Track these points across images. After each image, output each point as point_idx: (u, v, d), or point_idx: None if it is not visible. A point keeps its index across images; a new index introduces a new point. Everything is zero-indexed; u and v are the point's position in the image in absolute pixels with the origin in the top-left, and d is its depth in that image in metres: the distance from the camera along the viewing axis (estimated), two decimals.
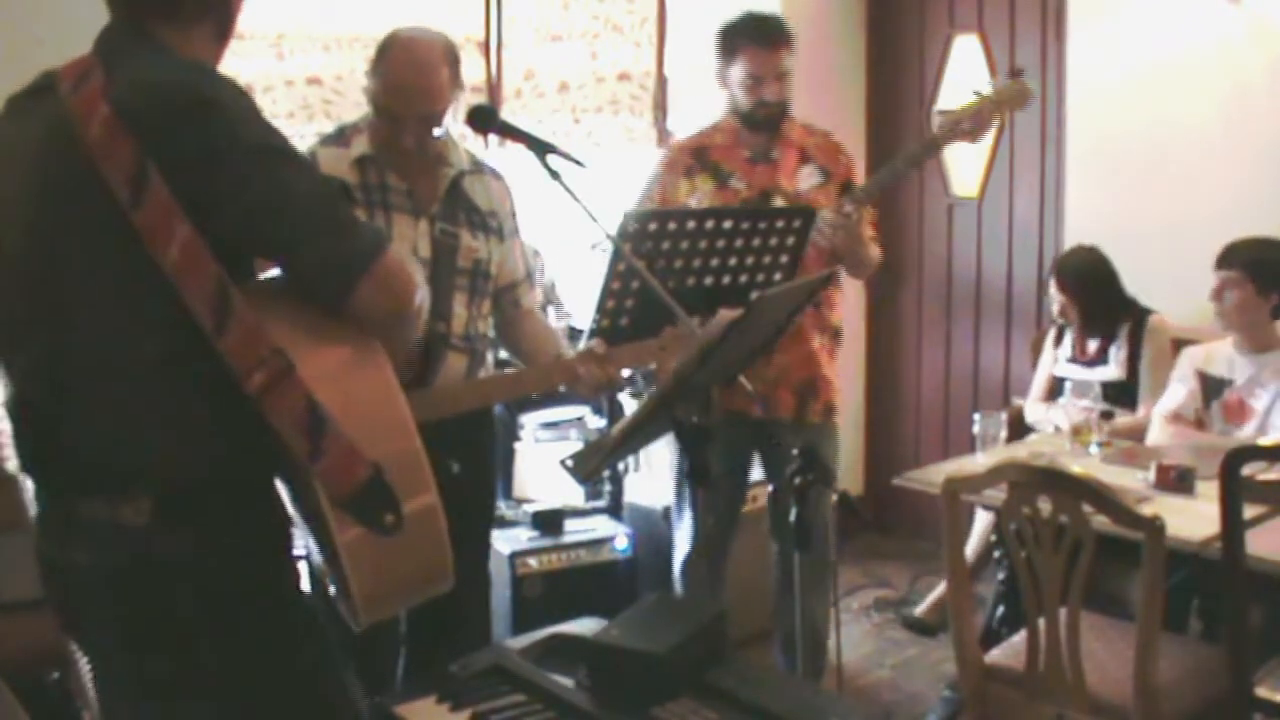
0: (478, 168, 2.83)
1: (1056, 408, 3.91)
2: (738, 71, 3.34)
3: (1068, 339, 4.09)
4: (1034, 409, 4.10)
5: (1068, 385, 3.69)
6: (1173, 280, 4.09)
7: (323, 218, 1.71)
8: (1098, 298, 3.96)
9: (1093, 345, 4.01)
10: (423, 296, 1.80)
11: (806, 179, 3.41)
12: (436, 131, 2.65)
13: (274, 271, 1.82)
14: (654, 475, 4.51)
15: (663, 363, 2.63)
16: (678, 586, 3.56)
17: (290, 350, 1.67)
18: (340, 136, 2.74)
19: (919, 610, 4.37)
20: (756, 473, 3.71)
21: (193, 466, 1.74)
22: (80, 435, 1.76)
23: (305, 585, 2.03)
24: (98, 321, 1.72)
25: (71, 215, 1.70)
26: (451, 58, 2.66)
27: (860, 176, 3.52)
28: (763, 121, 3.37)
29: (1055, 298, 4.02)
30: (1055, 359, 4.12)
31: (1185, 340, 3.84)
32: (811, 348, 3.41)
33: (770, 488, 3.73)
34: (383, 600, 1.81)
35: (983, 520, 4.11)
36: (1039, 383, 4.18)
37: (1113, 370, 3.93)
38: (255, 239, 1.73)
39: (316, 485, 1.68)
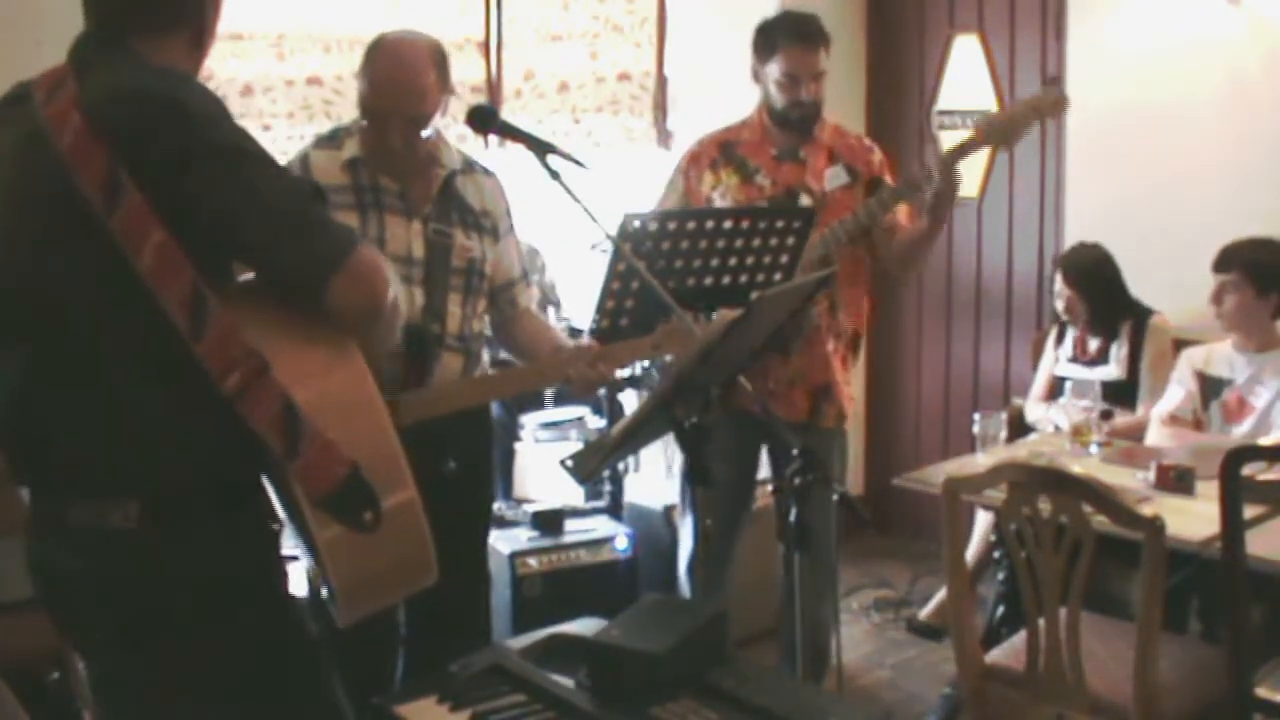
0: (470, 167, 2.83)
1: (1057, 407, 3.91)
2: (774, 70, 3.31)
3: (1069, 338, 4.08)
4: (1034, 409, 4.09)
5: (1068, 385, 3.69)
6: (1173, 280, 4.09)
7: (293, 218, 1.72)
8: (1104, 293, 3.96)
9: (1094, 344, 4.01)
10: (396, 294, 1.80)
11: (833, 180, 3.37)
12: (425, 133, 2.65)
13: (251, 275, 1.83)
14: (655, 475, 4.51)
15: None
16: (684, 588, 3.55)
17: (266, 351, 1.68)
18: (333, 139, 2.75)
19: (923, 614, 4.35)
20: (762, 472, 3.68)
21: (178, 469, 1.75)
22: (66, 440, 1.77)
23: (296, 587, 2.03)
24: (78, 327, 1.73)
25: (49, 225, 1.71)
26: (439, 59, 2.66)
27: (892, 176, 3.48)
28: (796, 122, 3.34)
29: (1061, 293, 4.00)
30: (1056, 359, 4.12)
31: (1185, 340, 3.84)
32: (826, 351, 3.39)
33: (771, 488, 3.72)
34: (365, 597, 1.82)
35: (983, 523, 4.11)
36: (1039, 382, 4.17)
37: (1113, 370, 3.93)
38: (227, 241, 1.73)
39: (294, 484, 1.69)
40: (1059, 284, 4.01)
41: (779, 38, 3.31)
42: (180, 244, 1.66)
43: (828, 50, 3.34)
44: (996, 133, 3.22)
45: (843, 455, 3.59)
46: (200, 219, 1.68)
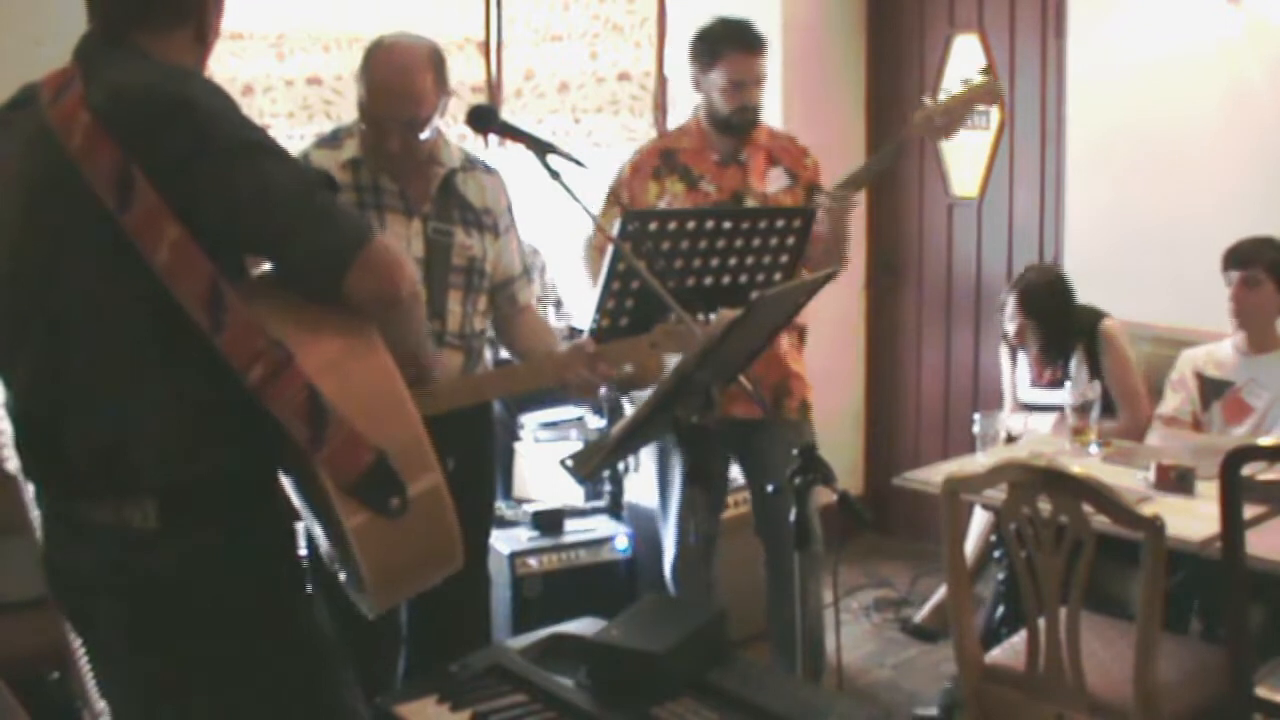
0: (471, 164, 2.83)
1: (1035, 417, 3.90)
2: (718, 77, 3.35)
3: (1022, 361, 4.06)
4: (1014, 420, 4.05)
5: (1068, 385, 3.68)
6: (1173, 280, 4.09)
7: (306, 210, 1.72)
8: (1058, 322, 3.89)
9: (1048, 371, 3.97)
10: (415, 280, 1.80)
11: (775, 181, 3.43)
12: (423, 135, 2.64)
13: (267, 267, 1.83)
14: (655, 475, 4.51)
15: (650, 364, 2.63)
16: (670, 589, 3.56)
17: (288, 342, 1.68)
18: (334, 139, 2.76)
19: (919, 617, 4.34)
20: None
21: (195, 467, 1.75)
22: (82, 440, 1.76)
23: (308, 586, 2.03)
24: (93, 327, 1.73)
25: (59, 225, 1.72)
26: (436, 63, 2.66)
27: (825, 180, 3.49)
28: (738, 126, 3.39)
29: (1013, 319, 3.93)
30: (1015, 382, 4.10)
31: (1185, 340, 3.84)
32: (780, 348, 3.40)
33: (750, 491, 3.73)
34: (394, 583, 1.82)
35: (980, 520, 4.11)
36: (1009, 396, 4.15)
37: (1082, 391, 3.87)
38: (241, 236, 1.74)
39: (321, 473, 1.69)
40: (1010, 308, 3.94)
41: (722, 46, 3.34)
42: (196, 239, 1.66)
43: (766, 56, 3.40)
44: (936, 128, 3.25)
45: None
46: (213, 214, 1.69)
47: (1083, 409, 3.47)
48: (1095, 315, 3.92)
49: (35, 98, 1.75)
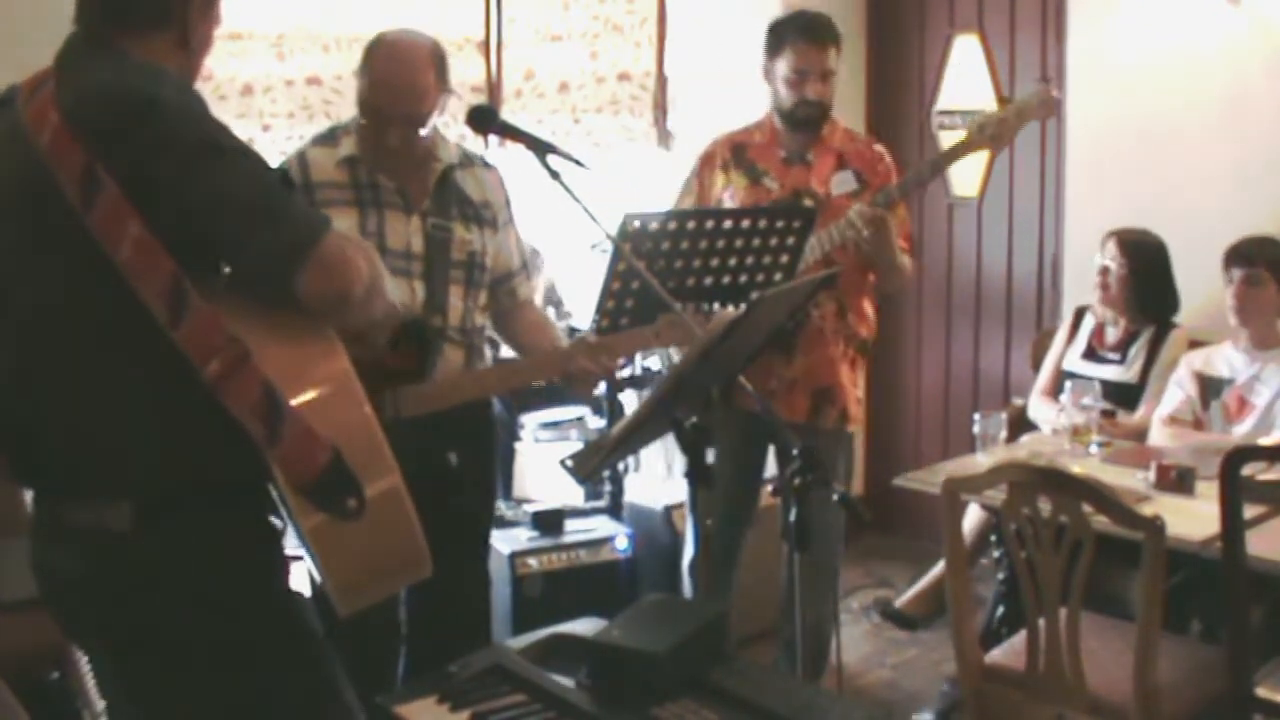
0: (469, 160, 2.84)
1: (1062, 407, 3.88)
2: (782, 67, 3.32)
3: (1085, 330, 4.02)
4: (1039, 406, 4.03)
5: (1067, 384, 3.67)
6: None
7: (258, 210, 1.71)
8: (1152, 272, 3.84)
9: (1113, 335, 3.95)
10: (369, 281, 1.77)
11: (840, 185, 3.37)
12: (422, 132, 2.65)
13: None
14: (655, 475, 4.51)
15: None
16: (686, 587, 3.54)
17: (247, 340, 1.69)
18: (331, 137, 2.76)
19: (899, 602, 4.33)
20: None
21: (170, 470, 1.75)
22: (59, 441, 1.77)
23: (299, 585, 2.03)
24: (62, 327, 1.73)
25: (33, 225, 1.72)
26: (438, 59, 2.67)
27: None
28: (803, 121, 3.35)
29: (1107, 259, 3.86)
30: (1064, 353, 4.06)
31: (1191, 341, 3.83)
32: (831, 354, 3.38)
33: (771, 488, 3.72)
34: (358, 587, 1.81)
35: (973, 516, 4.07)
36: (1045, 375, 4.09)
37: (1125, 371, 3.88)
38: (197, 235, 1.72)
39: (276, 471, 1.69)
40: (1112, 248, 3.85)
41: (788, 34, 3.32)
42: (158, 237, 1.66)
43: (838, 50, 3.34)
44: (987, 137, 3.24)
45: (847, 457, 3.58)
46: (171, 214, 1.68)
47: (1082, 389, 3.48)
48: (1173, 323, 3.89)
49: (15, 98, 1.76)
